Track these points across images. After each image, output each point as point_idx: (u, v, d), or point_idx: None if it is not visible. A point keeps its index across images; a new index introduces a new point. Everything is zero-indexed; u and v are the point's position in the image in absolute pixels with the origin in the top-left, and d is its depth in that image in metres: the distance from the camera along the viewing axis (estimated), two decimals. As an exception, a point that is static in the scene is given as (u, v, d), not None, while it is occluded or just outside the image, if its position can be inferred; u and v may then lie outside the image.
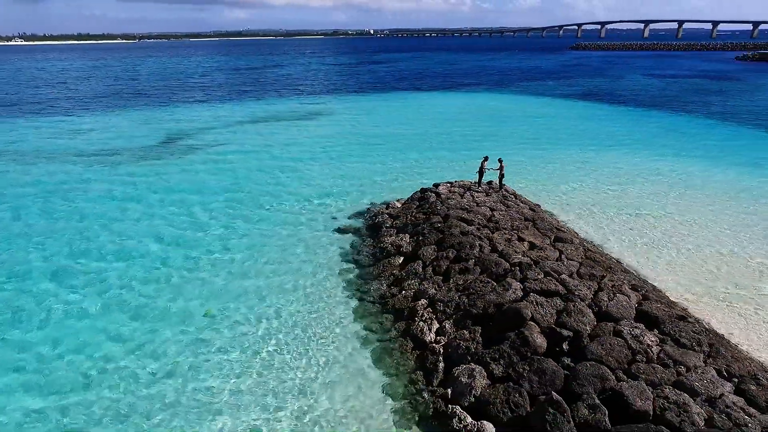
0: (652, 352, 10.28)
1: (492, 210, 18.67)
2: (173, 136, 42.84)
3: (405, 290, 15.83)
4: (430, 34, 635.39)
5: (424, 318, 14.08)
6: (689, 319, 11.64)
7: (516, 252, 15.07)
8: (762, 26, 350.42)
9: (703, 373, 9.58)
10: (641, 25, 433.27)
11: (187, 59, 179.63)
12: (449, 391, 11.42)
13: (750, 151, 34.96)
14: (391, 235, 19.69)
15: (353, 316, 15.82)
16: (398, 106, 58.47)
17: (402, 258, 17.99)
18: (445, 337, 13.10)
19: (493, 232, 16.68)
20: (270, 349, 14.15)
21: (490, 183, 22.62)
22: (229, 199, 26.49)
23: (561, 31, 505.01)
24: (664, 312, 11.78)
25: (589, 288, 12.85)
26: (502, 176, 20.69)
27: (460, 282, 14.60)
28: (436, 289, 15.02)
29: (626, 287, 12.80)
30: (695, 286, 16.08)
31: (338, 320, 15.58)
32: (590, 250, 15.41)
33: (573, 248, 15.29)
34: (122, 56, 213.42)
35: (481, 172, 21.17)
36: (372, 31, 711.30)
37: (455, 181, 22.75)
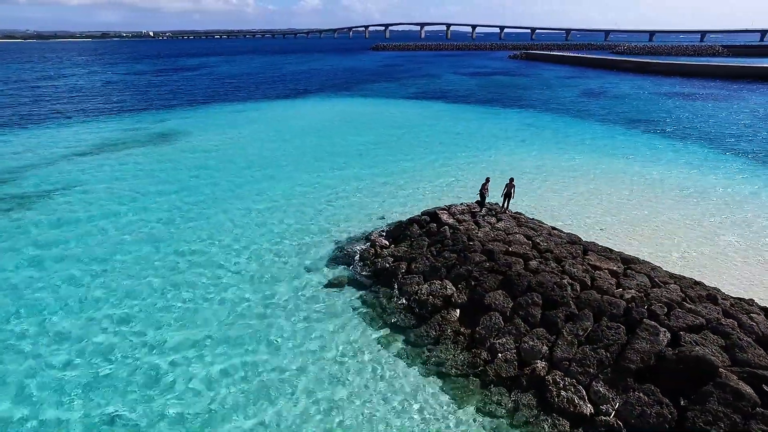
0: None
1: (528, 237, 17.33)
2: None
3: (500, 352, 13.41)
4: (220, 35, 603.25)
5: (561, 385, 11.98)
6: (813, 324, 12.19)
7: (611, 285, 14.04)
8: (506, 30, 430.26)
9: None
10: (418, 27, 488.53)
11: None
12: (676, 475, 9.72)
13: (589, 135, 41.23)
14: (419, 283, 16.76)
15: (454, 400, 12.80)
16: (259, 118, 52.71)
17: (458, 311, 15.37)
18: (609, 404, 11.28)
19: (559, 264, 15.36)
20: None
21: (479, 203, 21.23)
22: (134, 279, 19.40)
23: (351, 33, 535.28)
24: (795, 322, 12.12)
25: (718, 312, 12.54)
26: (510, 196, 19.48)
27: (580, 332, 12.89)
28: (548, 346, 13.02)
29: (745, 305, 12.88)
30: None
31: (442, 411, 12.42)
32: (660, 267, 15.33)
33: (651, 269, 15.00)
34: None
35: (482, 195, 19.63)
36: (152, 33, 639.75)
37: (449, 206, 20.70)
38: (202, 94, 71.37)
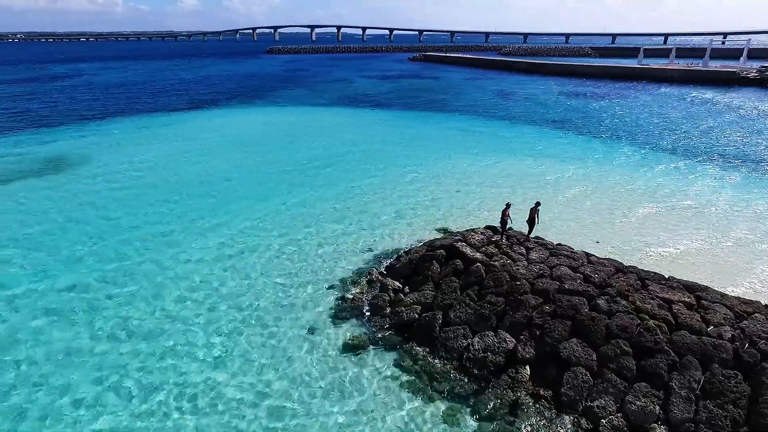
0: None
1: (574, 269, 15.64)
2: None
3: (603, 417, 11.48)
4: (87, 38, 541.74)
5: (695, 455, 10.31)
6: None
7: (698, 321, 12.77)
8: (396, 32, 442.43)
9: None
10: (308, 30, 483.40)
11: None
12: None
13: (534, 141, 41.82)
14: (466, 337, 14.31)
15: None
16: (172, 135, 46.00)
17: (528, 367, 13.18)
18: (762, 474, 9.82)
19: (626, 299, 13.82)
20: None
21: (493, 229, 19.25)
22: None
23: (237, 35, 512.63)
24: None
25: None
26: (535, 222, 17.67)
27: (693, 384, 11.35)
28: (660, 404, 11.31)
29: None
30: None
31: None
32: (728, 296, 14.46)
33: (721, 296, 14.05)
34: None
35: (504, 222, 17.64)
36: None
37: (465, 236, 18.35)
38: (90, 108, 61.26)
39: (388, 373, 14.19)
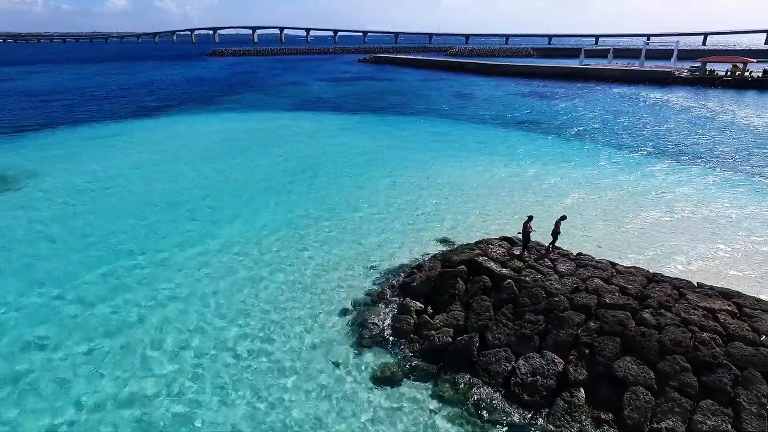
0: None
1: (606, 281, 15.22)
2: None
3: (674, 442, 11.00)
4: (5, 39, 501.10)
5: (777, 475, 10.01)
6: None
7: (749, 332, 12.61)
8: (340, 33, 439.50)
9: None
10: (249, 31, 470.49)
11: None
12: None
13: (513, 144, 42.16)
14: (509, 360, 13.53)
15: None
16: (124, 146, 42.41)
17: (581, 389, 12.55)
18: None
19: (669, 311, 13.52)
20: None
21: (508, 240, 18.62)
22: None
23: (175, 37, 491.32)
24: None
25: None
26: (558, 234, 17.12)
27: (763, 400, 11.10)
28: (730, 422, 10.98)
29: None
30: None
31: None
32: (764, 301, 14.48)
33: (756, 301, 14.04)
34: None
35: (526, 235, 17.00)
36: None
37: (484, 248, 17.53)
38: (25, 117, 55.54)
39: (427, 406, 13.13)
